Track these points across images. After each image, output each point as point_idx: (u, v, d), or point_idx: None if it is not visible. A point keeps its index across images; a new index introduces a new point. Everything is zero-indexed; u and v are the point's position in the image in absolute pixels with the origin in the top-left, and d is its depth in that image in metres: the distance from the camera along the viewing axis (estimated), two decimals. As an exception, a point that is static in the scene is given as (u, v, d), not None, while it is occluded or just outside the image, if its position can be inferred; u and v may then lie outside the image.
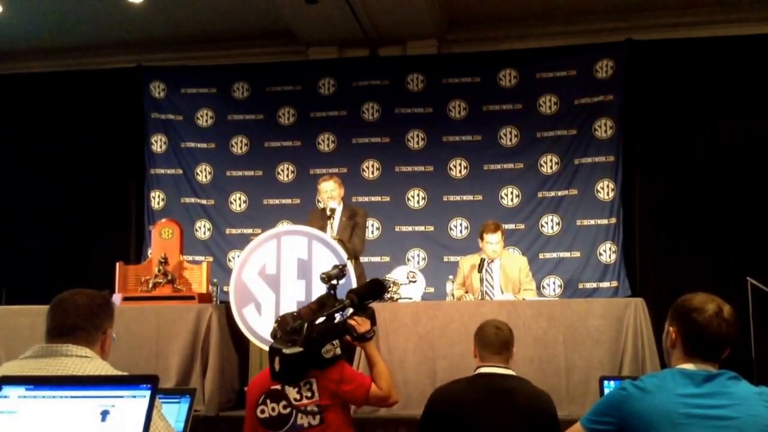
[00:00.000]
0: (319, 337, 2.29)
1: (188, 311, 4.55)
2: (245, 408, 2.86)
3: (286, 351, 2.15)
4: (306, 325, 2.34)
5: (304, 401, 2.65)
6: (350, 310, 2.58)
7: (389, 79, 7.20)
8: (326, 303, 2.45)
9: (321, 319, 2.49)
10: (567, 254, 6.69)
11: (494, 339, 2.75)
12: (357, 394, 2.75)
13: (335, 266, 3.74)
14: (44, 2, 6.84)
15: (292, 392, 2.66)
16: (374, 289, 2.61)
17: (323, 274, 3.67)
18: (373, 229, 6.90)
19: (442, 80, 7.11)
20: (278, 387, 2.69)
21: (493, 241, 5.15)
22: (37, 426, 1.53)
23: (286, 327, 2.68)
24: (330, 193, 5.16)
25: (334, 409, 2.69)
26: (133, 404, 1.54)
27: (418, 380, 4.29)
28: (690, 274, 6.42)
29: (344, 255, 4.57)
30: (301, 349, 2.18)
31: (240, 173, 7.29)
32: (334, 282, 3.56)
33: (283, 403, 2.67)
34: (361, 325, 2.60)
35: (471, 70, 7.07)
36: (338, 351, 2.41)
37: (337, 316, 2.53)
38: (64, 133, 7.64)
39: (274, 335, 2.73)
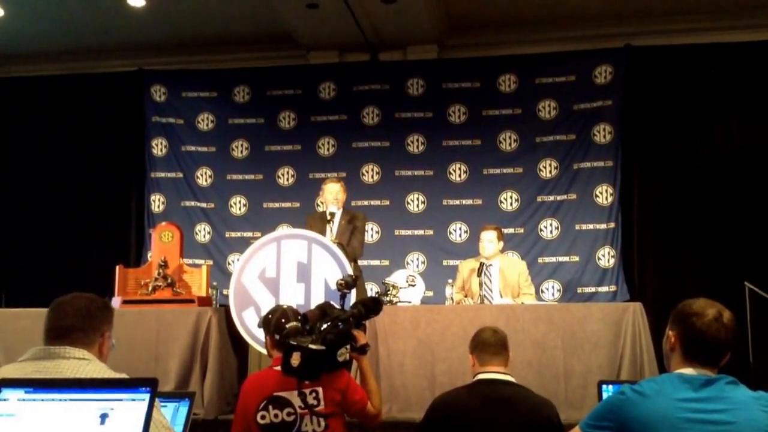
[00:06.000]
0: (337, 339, 2.30)
1: (188, 314, 4.55)
2: (236, 409, 2.84)
3: (313, 347, 2.15)
4: (324, 326, 2.36)
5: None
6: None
7: (389, 83, 7.21)
8: (327, 311, 2.45)
9: (325, 325, 2.50)
10: (566, 258, 6.69)
11: (492, 339, 2.78)
12: (358, 405, 2.80)
13: (349, 275, 3.75)
14: (45, 6, 6.85)
15: (297, 399, 2.66)
16: (375, 306, 2.64)
17: (340, 280, 3.67)
18: (372, 232, 6.90)
19: (442, 85, 7.13)
20: (282, 394, 2.69)
21: (485, 238, 5.17)
22: (37, 429, 1.54)
23: (297, 327, 2.69)
24: (336, 195, 5.16)
25: (337, 416, 2.73)
26: (132, 407, 1.54)
27: (416, 384, 4.29)
28: (688, 279, 6.42)
29: (345, 260, 4.58)
30: (324, 347, 2.19)
31: (240, 177, 7.29)
32: (347, 291, 3.56)
33: (288, 410, 2.67)
34: (361, 337, 2.63)
35: (471, 75, 7.09)
36: (348, 357, 2.43)
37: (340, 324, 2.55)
38: (65, 137, 7.64)
39: (279, 331, 2.75)
